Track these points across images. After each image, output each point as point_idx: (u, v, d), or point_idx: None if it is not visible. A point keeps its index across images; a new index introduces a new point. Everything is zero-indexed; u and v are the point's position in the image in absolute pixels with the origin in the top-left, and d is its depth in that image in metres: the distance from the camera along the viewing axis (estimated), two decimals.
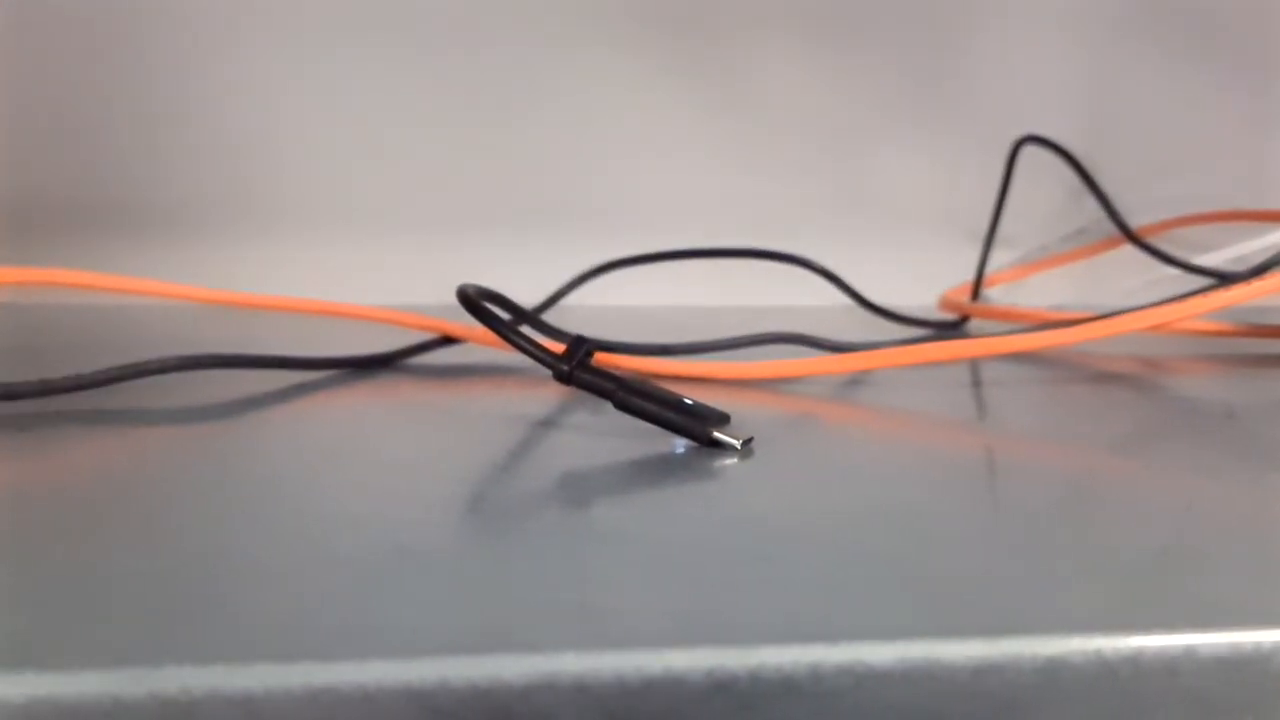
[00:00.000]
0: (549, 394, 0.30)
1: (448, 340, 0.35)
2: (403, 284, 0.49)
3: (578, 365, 0.25)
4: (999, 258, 0.54)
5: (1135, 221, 0.50)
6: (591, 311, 0.46)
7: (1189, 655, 0.14)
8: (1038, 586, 0.15)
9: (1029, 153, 0.52)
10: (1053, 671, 0.13)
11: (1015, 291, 0.55)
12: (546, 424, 0.27)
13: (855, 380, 0.33)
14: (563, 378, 0.25)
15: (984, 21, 0.59)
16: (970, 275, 0.52)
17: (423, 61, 0.55)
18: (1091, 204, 0.52)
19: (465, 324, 0.34)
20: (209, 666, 0.12)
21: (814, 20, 0.57)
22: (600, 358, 0.31)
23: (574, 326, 0.34)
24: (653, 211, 0.56)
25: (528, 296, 0.36)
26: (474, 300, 0.26)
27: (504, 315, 0.27)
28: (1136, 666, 0.14)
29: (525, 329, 0.32)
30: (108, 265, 0.35)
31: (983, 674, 0.13)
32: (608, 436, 0.24)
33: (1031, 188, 0.54)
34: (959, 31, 0.59)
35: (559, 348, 0.25)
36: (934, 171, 0.59)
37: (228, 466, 0.22)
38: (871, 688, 0.13)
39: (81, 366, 0.27)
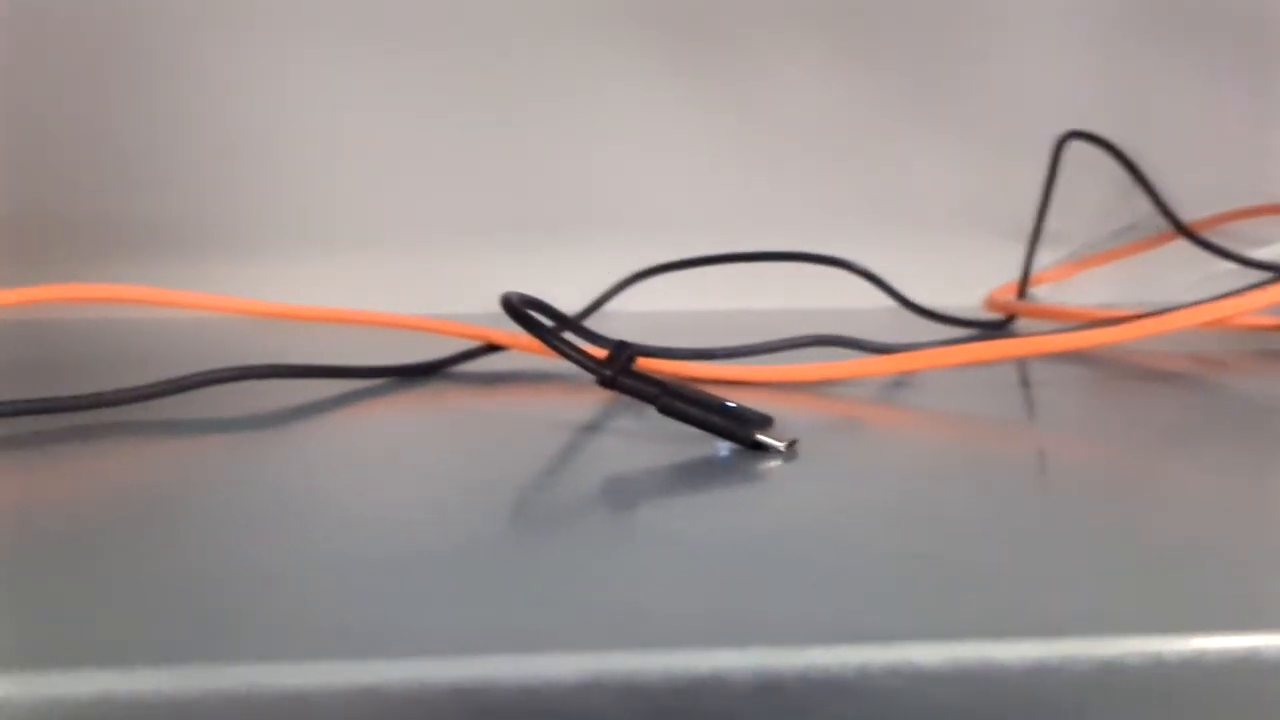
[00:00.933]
0: (592, 399, 0.30)
1: (491, 348, 0.35)
2: (444, 293, 0.50)
3: (621, 370, 0.25)
4: (1045, 256, 0.53)
5: (1184, 217, 0.49)
6: (632, 317, 0.46)
7: (1251, 657, 0.13)
8: (1092, 587, 0.15)
9: (1073, 149, 0.51)
10: (1109, 674, 0.13)
11: (1063, 290, 0.54)
12: (590, 429, 0.27)
13: (899, 382, 0.33)
14: (606, 383, 0.25)
15: (1017, 16, 0.58)
16: (1014, 275, 0.51)
17: (462, 75, 0.55)
18: (1139, 199, 0.51)
19: (508, 331, 0.34)
20: (268, 664, 0.12)
21: (842, 20, 0.57)
22: (642, 363, 0.31)
23: (615, 333, 0.34)
24: (687, 218, 0.56)
25: (567, 304, 0.36)
26: (518, 308, 0.26)
27: (547, 322, 0.27)
28: (1197, 669, 0.13)
29: (568, 335, 0.32)
30: (159, 281, 0.36)
31: (1037, 676, 0.13)
32: (651, 440, 0.24)
33: (1076, 184, 0.53)
34: (994, 28, 0.58)
35: (601, 354, 0.25)
36: (972, 170, 0.58)
37: (279, 474, 0.22)
38: (923, 689, 0.13)
39: (133, 379, 0.27)
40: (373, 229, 0.56)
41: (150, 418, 0.27)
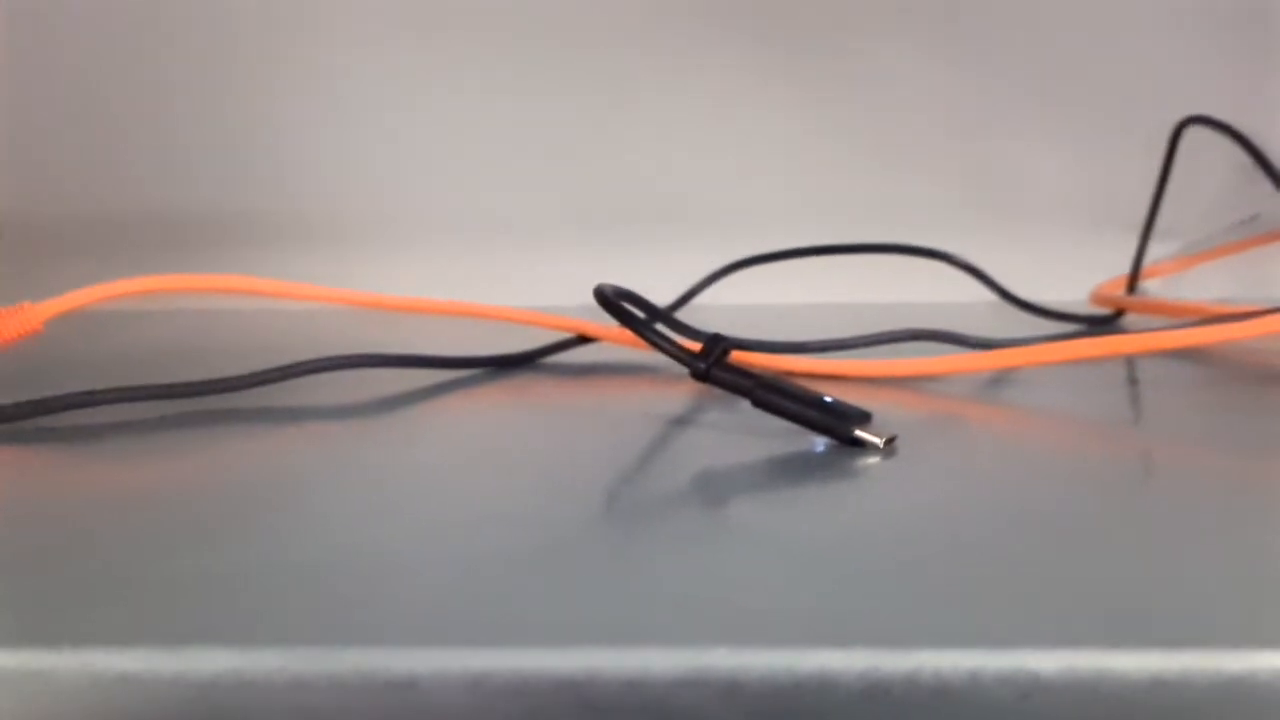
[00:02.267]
0: (683, 392, 0.30)
1: (583, 339, 0.35)
2: (535, 286, 0.50)
3: (715, 363, 0.24)
4: (1157, 250, 0.50)
5: None
6: (723, 310, 0.46)
7: None
8: (1218, 597, 0.14)
9: (1190, 137, 0.49)
10: (1238, 688, 0.13)
11: (1175, 285, 0.51)
12: (683, 422, 0.27)
13: (1000, 379, 0.32)
14: (700, 376, 0.24)
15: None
16: (1122, 269, 0.49)
17: (556, 67, 0.56)
18: (1261, 190, 0.48)
19: (600, 323, 0.34)
20: (377, 649, 0.13)
21: (942, 4, 0.55)
22: (735, 355, 0.30)
23: (706, 326, 0.34)
24: (779, 209, 0.56)
25: (660, 296, 0.36)
26: (611, 300, 0.26)
27: (639, 314, 0.27)
28: None
29: (660, 328, 0.32)
30: (261, 273, 0.38)
31: (1160, 689, 0.12)
32: (746, 434, 0.24)
33: (1193, 173, 0.51)
34: (1106, 8, 0.56)
35: (694, 346, 0.25)
36: (1080, 157, 0.56)
37: (381, 462, 0.23)
38: (1037, 699, 0.12)
39: (240, 368, 0.28)
40: (468, 222, 0.57)
41: (257, 404, 0.28)
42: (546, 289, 0.49)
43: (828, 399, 0.23)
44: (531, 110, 0.56)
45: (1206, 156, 0.50)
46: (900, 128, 0.56)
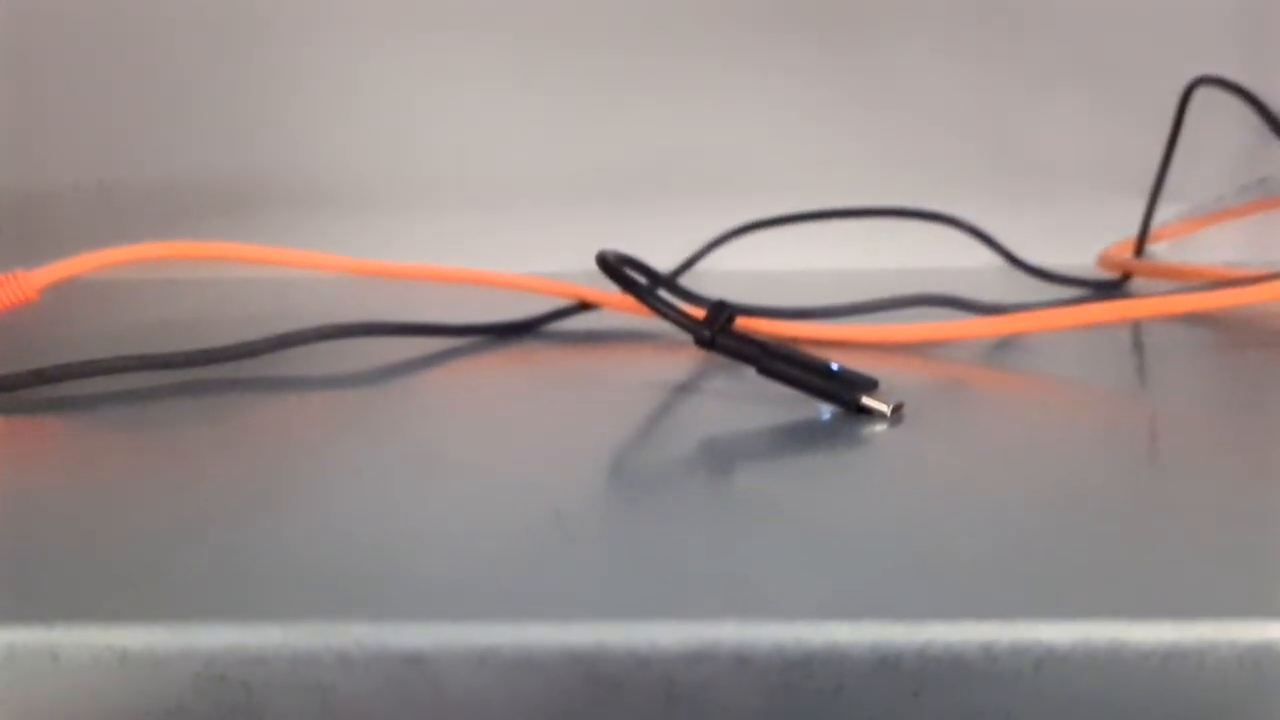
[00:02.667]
0: (686, 359, 0.30)
1: (584, 306, 0.35)
2: (534, 252, 0.50)
3: (720, 331, 0.24)
4: (1164, 212, 0.50)
5: None
6: (727, 276, 0.45)
7: None
8: (1233, 567, 0.14)
9: (1199, 98, 0.48)
10: (1255, 660, 0.12)
11: (1183, 248, 0.51)
12: (687, 390, 0.26)
13: (1006, 344, 0.31)
14: (705, 343, 0.24)
15: None
16: (1128, 231, 0.49)
17: (553, 35, 0.55)
18: (1270, 153, 0.48)
19: (601, 290, 0.34)
20: (382, 624, 0.12)
21: None
22: (740, 322, 0.30)
23: (709, 292, 0.34)
24: (786, 174, 0.55)
25: (660, 261, 0.35)
26: (614, 266, 0.26)
27: (642, 281, 0.27)
28: None
29: (663, 294, 0.32)
30: (259, 240, 0.37)
31: (1175, 660, 0.12)
32: (751, 402, 0.24)
33: (1202, 136, 0.50)
34: None
35: (698, 313, 0.25)
36: (1084, 121, 0.55)
37: (383, 431, 0.22)
38: (1051, 671, 0.12)
39: (238, 336, 0.28)
40: (467, 187, 0.56)
41: (257, 374, 0.27)
42: (548, 254, 0.48)
43: (834, 366, 0.23)
44: (532, 73, 0.55)
45: (1216, 119, 0.50)
46: (909, 92, 0.55)
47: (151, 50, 0.55)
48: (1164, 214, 0.50)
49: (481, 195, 0.56)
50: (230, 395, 0.26)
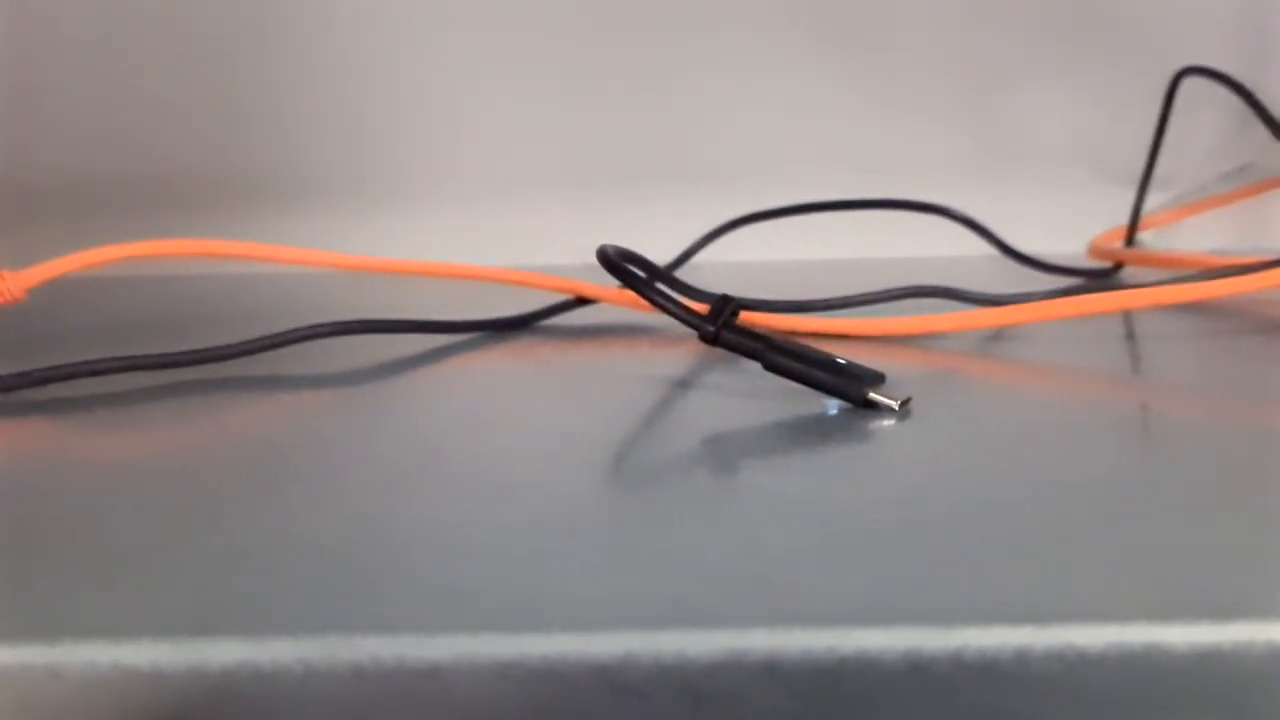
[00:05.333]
0: (686, 353, 0.29)
1: (581, 301, 0.35)
2: (530, 246, 0.49)
3: (724, 325, 0.24)
4: (1151, 201, 0.50)
5: None
6: (723, 267, 0.45)
7: None
8: (1266, 566, 0.14)
9: (1187, 87, 0.48)
10: None
11: (1169, 236, 0.51)
12: (691, 385, 0.26)
13: (1001, 334, 0.31)
14: (709, 339, 0.24)
15: None
16: (1116, 220, 0.49)
17: (549, 25, 0.54)
18: (1255, 140, 0.48)
19: (599, 284, 0.33)
20: (398, 636, 0.12)
21: None
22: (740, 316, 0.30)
23: (704, 283, 0.33)
24: (777, 164, 0.55)
25: (655, 253, 0.35)
26: (615, 262, 0.25)
27: (641, 275, 0.26)
28: None
29: (664, 289, 0.32)
30: (252, 236, 0.37)
31: (1209, 661, 0.12)
32: (755, 398, 0.24)
33: (1186, 124, 0.50)
34: None
35: (699, 307, 0.25)
36: (1072, 109, 0.55)
37: (383, 431, 0.22)
38: (1084, 674, 0.12)
39: (230, 334, 0.27)
40: (463, 181, 0.55)
41: (252, 373, 0.27)
42: (542, 248, 0.48)
43: (840, 360, 0.23)
44: (525, 65, 0.55)
45: (1204, 108, 0.50)
46: (900, 81, 0.55)
47: (136, 39, 0.54)
48: (1152, 202, 0.50)
49: (477, 189, 0.55)
50: (226, 395, 0.25)
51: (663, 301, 0.25)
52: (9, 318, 0.28)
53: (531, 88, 0.55)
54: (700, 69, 0.55)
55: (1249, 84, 0.48)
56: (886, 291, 0.34)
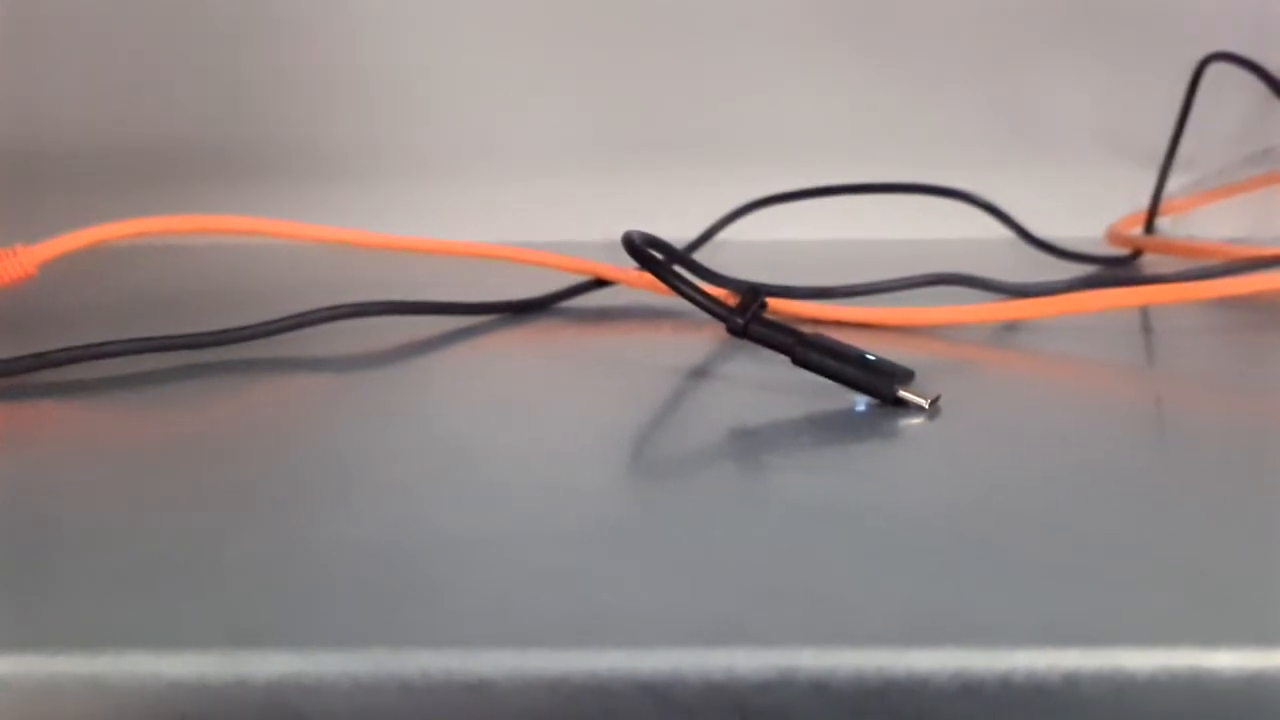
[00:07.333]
0: (707, 338, 0.29)
1: (600, 283, 0.34)
2: (550, 222, 0.49)
3: (753, 318, 0.24)
4: (1172, 185, 0.50)
5: None
6: (742, 246, 0.45)
7: None
8: None
9: (1211, 72, 0.48)
10: None
11: (1187, 222, 0.50)
12: (714, 376, 0.26)
13: (1020, 324, 0.31)
14: (738, 331, 0.24)
15: None
16: (1134, 204, 0.48)
17: (561, 3, 0.53)
18: (1276, 126, 0.47)
19: (617, 266, 0.33)
20: (445, 650, 0.12)
21: None
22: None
23: (725, 263, 0.33)
24: (797, 145, 0.54)
25: (673, 233, 0.35)
26: (641, 249, 0.25)
27: (669, 264, 0.26)
28: None
29: (681, 270, 0.31)
30: (266, 211, 0.36)
31: (1258, 685, 0.12)
32: (782, 391, 0.23)
33: (1209, 108, 0.50)
34: None
35: (721, 292, 0.24)
36: (1090, 92, 0.54)
37: (410, 423, 0.22)
38: (1133, 698, 0.12)
39: (245, 312, 0.27)
40: (478, 156, 0.55)
41: (270, 355, 0.27)
42: (558, 225, 0.48)
43: (870, 356, 0.23)
44: (544, 41, 0.54)
45: (1228, 93, 0.49)
46: (923, 62, 0.55)
47: (146, 10, 0.54)
48: (1173, 186, 0.50)
49: (495, 165, 0.55)
50: (248, 379, 0.25)
51: (691, 293, 0.24)
52: (21, 293, 0.28)
53: (552, 63, 0.54)
54: (723, 49, 0.54)
55: (1275, 69, 0.47)
56: (909, 279, 0.34)
